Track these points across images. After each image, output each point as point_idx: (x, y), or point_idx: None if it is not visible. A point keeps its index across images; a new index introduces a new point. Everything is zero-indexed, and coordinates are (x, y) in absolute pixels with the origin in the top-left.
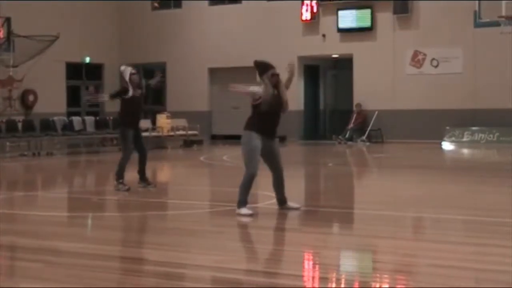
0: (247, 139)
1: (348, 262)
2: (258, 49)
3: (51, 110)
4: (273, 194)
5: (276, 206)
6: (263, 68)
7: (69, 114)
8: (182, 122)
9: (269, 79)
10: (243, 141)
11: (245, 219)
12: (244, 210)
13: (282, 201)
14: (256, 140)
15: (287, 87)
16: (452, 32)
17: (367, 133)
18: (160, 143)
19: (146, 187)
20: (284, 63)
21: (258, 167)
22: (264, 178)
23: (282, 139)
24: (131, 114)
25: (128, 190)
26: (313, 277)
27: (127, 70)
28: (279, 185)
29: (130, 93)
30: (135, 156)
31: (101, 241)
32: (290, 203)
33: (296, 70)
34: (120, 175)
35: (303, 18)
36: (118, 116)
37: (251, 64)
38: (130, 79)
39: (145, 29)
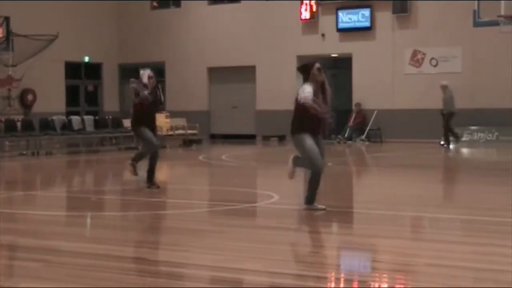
0: (301, 141)
1: (348, 262)
2: (257, 49)
3: (50, 110)
4: (273, 194)
5: (276, 206)
6: (306, 67)
7: (68, 113)
8: (181, 121)
9: (315, 75)
10: (297, 145)
11: (319, 213)
12: (316, 205)
13: (311, 199)
14: (310, 140)
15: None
16: (451, 32)
17: (366, 132)
18: (161, 142)
19: (151, 188)
20: (284, 62)
21: (322, 162)
22: (264, 178)
23: (282, 138)
24: (141, 115)
25: (136, 175)
26: (313, 277)
27: (146, 73)
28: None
29: (141, 94)
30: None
31: (101, 240)
32: (316, 204)
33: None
34: (136, 159)
35: (302, 17)
36: (131, 120)
37: (250, 63)
38: (148, 82)
39: (144, 28)
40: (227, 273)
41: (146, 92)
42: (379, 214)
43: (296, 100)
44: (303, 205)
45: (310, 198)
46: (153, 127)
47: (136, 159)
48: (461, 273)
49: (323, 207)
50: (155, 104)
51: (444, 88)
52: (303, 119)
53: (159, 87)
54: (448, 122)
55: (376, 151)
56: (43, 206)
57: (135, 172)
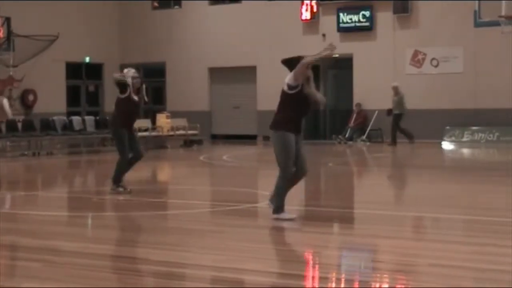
0: (282, 141)
1: (349, 262)
2: (258, 49)
3: (51, 110)
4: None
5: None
6: (295, 61)
7: (69, 113)
8: (182, 121)
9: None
10: (277, 143)
11: (287, 223)
12: (285, 215)
13: (277, 208)
14: (292, 142)
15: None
16: (452, 32)
17: (367, 132)
18: (160, 142)
19: (116, 190)
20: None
21: (291, 170)
22: (265, 178)
23: None
24: (126, 114)
25: (129, 192)
26: (313, 277)
27: (129, 73)
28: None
29: (127, 93)
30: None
31: (102, 240)
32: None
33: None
34: (117, 179)
35: (303, 17)
36: (111, 117)
37: (251, 63)
38: (132, 82)
39: (145, 28)
40: (228, 273)
41: (129, 91)
42: (379, 214)
43: (282, 92)
44: (272, 215)
45: (280, 206)
46: (132, 129)
47: (116, 180)
48: (461, 273)
49: (294, 216)
50: (138, 106)
51: (395, 89)
52: (287, 114)
53: (143, 87)
54: (397, 123)
55: (377, 151)
56: (44, 206)
57: (126, 191)
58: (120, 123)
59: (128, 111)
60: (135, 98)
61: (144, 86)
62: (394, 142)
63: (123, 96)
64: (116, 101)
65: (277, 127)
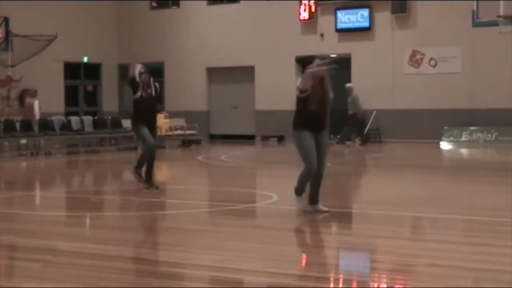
0: (299, 140)
1: (347, 262)
2: (256, 49)
3: (50, 110)
4: (272, 194)
5: (275, 206)
6: (305, 61)
7: (68, 113)
8: (180, 121)
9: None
10: (294, 141)
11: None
12: (298, 201)
13: (313, 200)
14: (309, 139)
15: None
16: (450, 32)
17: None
18: (158, 142)
19: (150, 189)
20: (283, 63)
21: (315, 162)
22: (263, 179)
23: (281, 138)
24: (141, 112)
25: (144, 182)
26: (312, 277)
27: (137, 68)
28: (315, 182)
29: (139, 93)
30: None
31: (101, 240)
32: (321, 206)
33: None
34: (138, 166)
35: (301, 17)
36: (131, 117)
37: (249, 63)
38: (139, 78)
39: (143, 28)
40: (226, 273)
41: (140, 90)
42: (378, 214)
43: (296, 95)
44: (308, 206)
45: (298, 189)
46: (152, 127)
47: (137, 167)
48: (460, 273)
49: (327, 209)
50: (152, 101)
51: (349, 90)
52: (302, 114)
53: (154, 84)
54: (352, 123)
55: (375, 151)
56: (42, 206)
57: (141, 180)
58: (135, 121)
59: (142, 110)
60: (148, 91)
61: (152, 79)
62: (343, 141)
63: (135, 97)
64: (132, 101)
65: (293, 126)
